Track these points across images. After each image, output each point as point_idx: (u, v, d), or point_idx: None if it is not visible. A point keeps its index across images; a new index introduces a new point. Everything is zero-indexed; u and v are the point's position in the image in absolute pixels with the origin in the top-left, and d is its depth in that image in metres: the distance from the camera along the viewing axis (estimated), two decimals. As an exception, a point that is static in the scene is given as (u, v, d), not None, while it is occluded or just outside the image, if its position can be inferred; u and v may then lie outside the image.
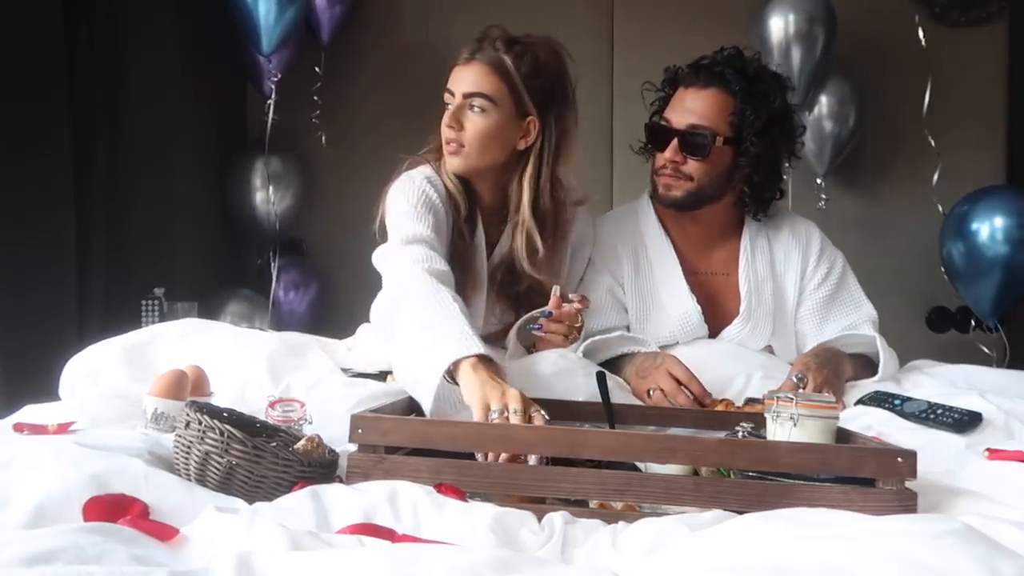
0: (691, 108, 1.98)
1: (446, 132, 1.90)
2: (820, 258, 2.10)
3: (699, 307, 2.02)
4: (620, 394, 1.66)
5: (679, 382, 1.76)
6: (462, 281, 1.85)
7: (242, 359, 1.77)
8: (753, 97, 1.96)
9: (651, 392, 1.77)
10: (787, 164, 2.11)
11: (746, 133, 1.97)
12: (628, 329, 2.07)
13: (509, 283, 1.95)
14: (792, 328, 2.07)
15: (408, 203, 1.86)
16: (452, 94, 1.92)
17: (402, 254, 1.75)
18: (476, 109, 1.89)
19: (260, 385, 1.69)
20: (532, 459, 1.29)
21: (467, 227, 1.93)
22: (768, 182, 2.05)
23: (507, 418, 1.34)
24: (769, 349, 2.04)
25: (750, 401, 1.78)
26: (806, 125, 2.08)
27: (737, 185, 2.03)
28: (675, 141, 1.98)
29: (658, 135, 2.02)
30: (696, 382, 1.76)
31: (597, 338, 1.95)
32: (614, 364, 1.93)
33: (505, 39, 1.93)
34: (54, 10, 2.75)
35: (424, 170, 1.95)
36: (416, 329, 1.58)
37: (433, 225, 1.82)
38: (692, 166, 1.98)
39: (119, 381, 1.76)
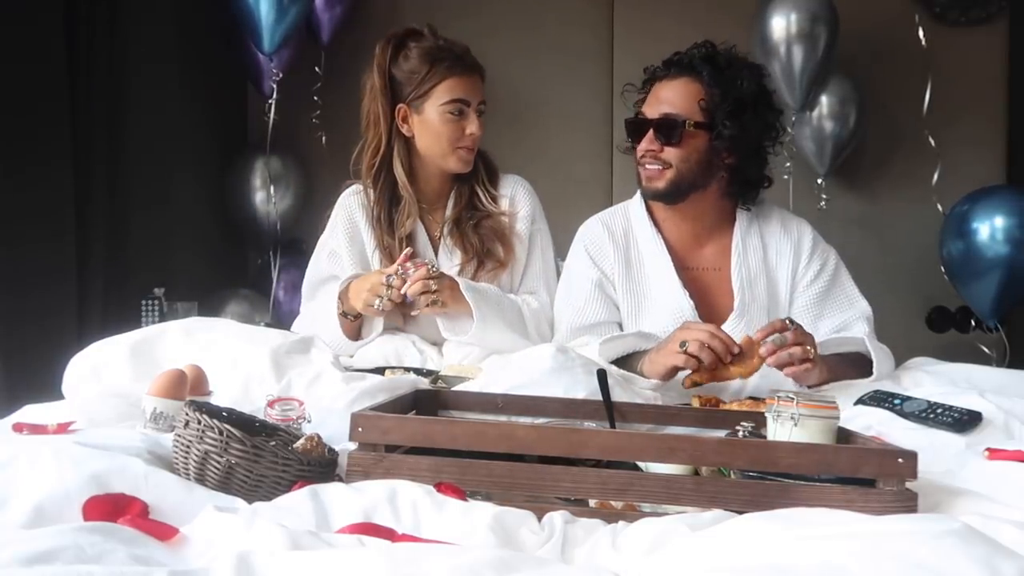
0: (663, 98, 2.06)
1: (473, 138, 2.17)
2: (812, 255, 2.11)
3: (691, 301, 2.03)
4: (620, 392, 1.65)
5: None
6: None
7: (246, 355, 1.78)
8: (721, 81, 2.02)
9: (684, 345, 1.76)
10: (770, 150, 2.11)
11: (718, 116, 2.02)
12: (620, 326, 2.08)
13: (470, 217, 2.22)
14: (786, 325, 2.08)
15: (321, 237, 2.29)
16: (467, 104, 2.16)
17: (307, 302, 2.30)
18: (480, 114, 2.18)
19: (263, 381, 1.70)
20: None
21: (407, 223, 2.20)
22: (750, 167, 2.08)
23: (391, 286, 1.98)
24: (764, 347, 2.04)
25: (752, 399, 1.78)
26: (783, 109, 2.14)
27: (718, 172, 2.07)
28: (651, 131, 2.04)
29: (635, 128, 2.09)
30: (722, 332, 1.80)
31: (616, 335, 1.95)
32: (625, 361, 1.93)
33: (464, 46, 2.20)
34: (55, 10, 2.75)
35: (344, 199, 2.28)
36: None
37: (334, 249, 2.25)
38: (669, 152, 2.04)
39: (122, 377, 1.77)
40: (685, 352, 1.76)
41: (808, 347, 1.77)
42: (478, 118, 2.17)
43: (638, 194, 2.18)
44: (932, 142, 3.37)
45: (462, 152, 2.17)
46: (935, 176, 3.38)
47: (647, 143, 2.05)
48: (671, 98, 2.05)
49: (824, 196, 3.40)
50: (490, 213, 2.22)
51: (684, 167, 2.04)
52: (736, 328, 2.01)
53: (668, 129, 2.03)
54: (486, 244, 2.20)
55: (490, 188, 2.25)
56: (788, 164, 3.28)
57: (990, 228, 3.09)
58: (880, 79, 3.50)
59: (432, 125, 2.15)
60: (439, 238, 2.24)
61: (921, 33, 3.36)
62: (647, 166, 2.07)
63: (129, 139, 3.11)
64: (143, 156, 3.17)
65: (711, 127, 2.02)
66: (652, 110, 2.06)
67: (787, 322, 1.79)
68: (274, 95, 3.43)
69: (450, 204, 2.24)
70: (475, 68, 2.19)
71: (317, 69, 3.56)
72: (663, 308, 2.05)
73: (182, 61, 3.41)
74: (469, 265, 2.19)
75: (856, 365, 1.95)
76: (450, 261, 2.21)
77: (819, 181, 3.42)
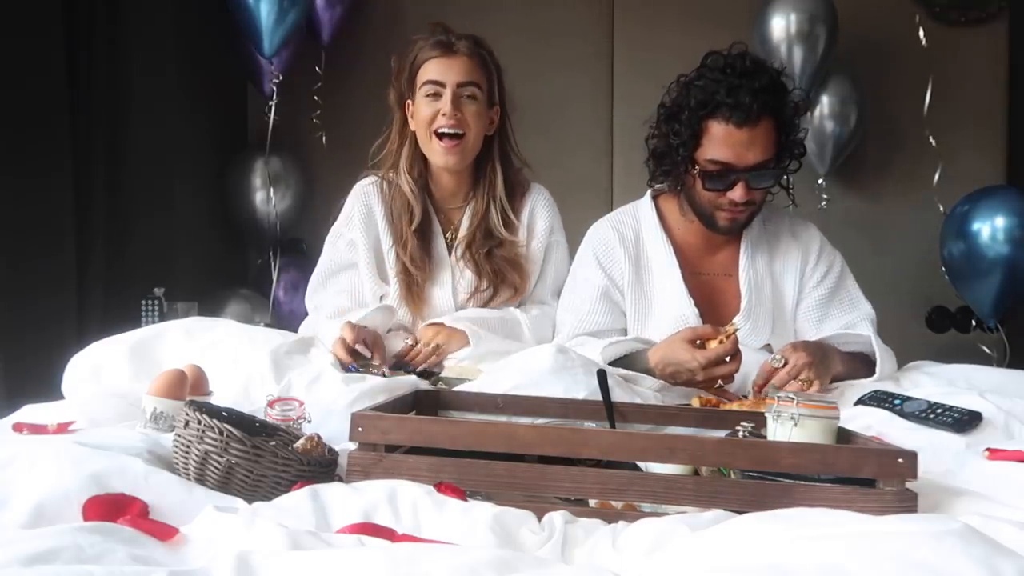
0: (751, 146, 1.93)
1: (447, 121, 2.05)
2: (819, 258, 2.11)
3: (696, 309, 2.03)
4: (620, 392, 1.65)
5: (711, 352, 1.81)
6: (423, 261, 2.14)
7: (246, 356, 1.78)
8: (793, 117, 2.00)
9: (722, 385, 1.82)
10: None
11: (796, 152, 2.03)
12: (626, 332, 2.07)
13: (483, 244, 2.15)
14: (791, 327, 2.09)
15: (334, 227, 2.21)
16: (442, 84, 2.06)
17: (313, 311, 2.18)
18: (468, 98, 2.07)
19: (263, 381, 1.70)
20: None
21: (422, 219, 2.15)
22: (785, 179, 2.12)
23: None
24: (768, 348, 2.04)
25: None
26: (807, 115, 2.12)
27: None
28: (743, 182, 1.95)
29: (720, 177, 1.96)
30: (709, 329, 1.85)
31: (615, 340, 1.95)
32: (623, 360, 1.93)
33: (467, 36, 2.10)
34: (54, 12, 2.75)
35: (361, 188, 2.20)
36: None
37: (352, 239, 2.17)
38: (758, 195, 2.00)
39: (122, 378, 1.77)
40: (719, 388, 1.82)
41: (801, 379, 1.79)
42: (455, 100, 2.04)
43: (647, 196, 2.17)
44: (933, 142, 3.37)
45: (439, 143, 2.08)
46: (936, 176, 3.38)
47: (743, 195, 1.94)
48: (759, 144, 1.94)
49: (824, 196, 3.41)
50: (503, 241, 2.15)
51: (764, 199, 2.04)
52: (742, 328, 2.01)
53: (763, 177, 1.96)
54: (500, 274, 2.15)
55: (508, 209, 2.17)
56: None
57: (991, 228, 3.09)
58: (880, 79, 3.50)
59: (417, 112, 2.11)
60: (452, 249, 2.19)
61: (921, 33, 3.37)
62: (738, 214, 2.00)
63: (129, 139, 3.11)
64: (143, 156, 3.17)
65: (779, 160, 2.00)
66: (739, 158, 1.93)
67: (773, 364, 1.82)
68: (274, 96, 3.43)
69: (464, 221, 2.18)
70: (458, 51, 2.07)
71: (317, 69, 3.56)
72: (667, 314, 2.04)
73: (182, 62, 3.41)
74: (484, 293, 2.15)
75: (860, 363, 1.96)
76: (462, 276, 2.16)
77: (819, 181, 3.42)
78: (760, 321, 2.04)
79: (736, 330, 1.81)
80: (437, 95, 2.07)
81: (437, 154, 2.10)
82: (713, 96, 1.92)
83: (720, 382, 1.83)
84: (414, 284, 2.12)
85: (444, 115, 2.05)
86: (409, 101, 2.14)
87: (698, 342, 1.83)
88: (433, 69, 2.07)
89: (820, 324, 2.07)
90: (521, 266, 2.17)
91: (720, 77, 1.93)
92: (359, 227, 2.16)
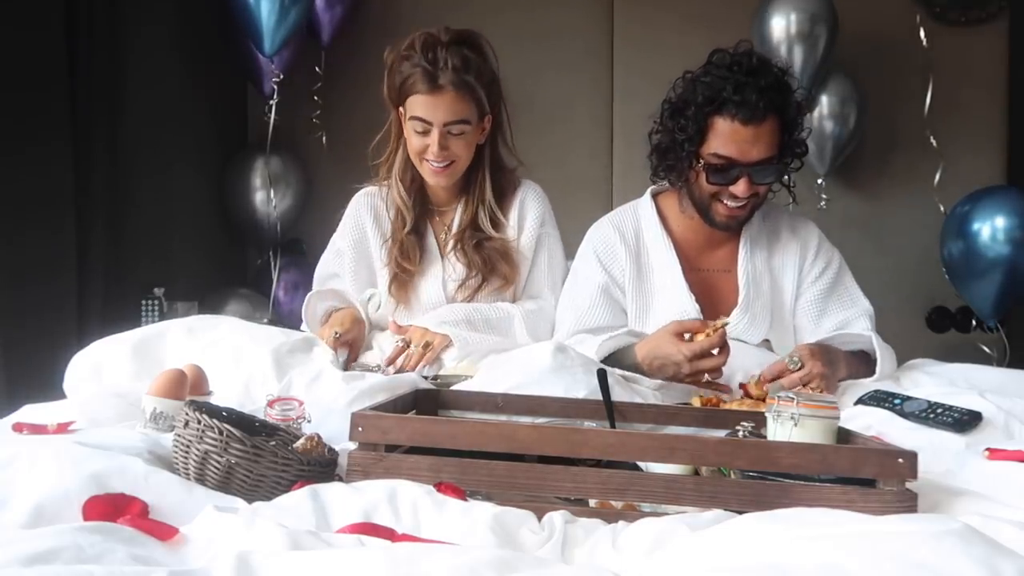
0: (756, 143, 1.94)
1: (435, 158, 2.07)
2: (818, 253, 2.12)
3: (697, 306, 2.03)
4: (620, 392, 1.65)
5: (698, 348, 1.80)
6: (417, 256, 2.17)
7: (248, 354, 1.78)
8: (796, 116, 2.00)
9: (708, 379, 1.83)
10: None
11: (798, 150, 2.04)
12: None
13: (472, 237, 2.17)
14: (790, 323, 2.09)
15: (335, 235, 2.28)
16: (428, 123, 2.05)
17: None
18: (456, 135, 2.06)
19: (265, 380, 1.70)
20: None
21: (416, 222, 2.19)
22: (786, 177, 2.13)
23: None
24: (767, 345, 2.05)
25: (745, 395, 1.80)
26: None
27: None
28: (746, 177, 1.95)
29: (723, 171, 1.96)
30: (698, 322, 1.85)
31: (609, 335, 1.95)
32: (615, 356, 1.93)
33: (455, 56, 2.04)
34: (55, 10, 2.75)
35: (356, 199, 2.26)
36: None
37: (340, 248, 2.25)
38: (761, 189, 2.00)
39: (125, 376, 1.77)
40: (708, 382, 1.82)
41: (812, 386, 1.78)
42: (442, 139, 2.04)
43: (647, 195, 2.17)
44: (933, 142, 3.37)
45: (427, 167, 2.10)
46: (936, 176, 3.39)
47: (745, 190, 1.95)
48: (764, 141, 1.94)
49: (824, 196, 3.41)
50: (491, 237, 2.17)
51: (767, 195, 2.04)
52: (739, 323, 2.02)
53: (767, 172, 1.97)
54: (489, 263, 2.16)
55: (496, 210, 2.18)
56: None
57: (991, 228, 3.09)
58: (880, 79, 3.50)
59: (407, 135, 2.11)
60: (445, 246, 2.21)
61: (921, 33, 3.37)
62: (738, 211, 2.00)
63: (129, 139, 3.11)
64: (143, 156, 3.17)
65: (781, 157, 2.00)
66: (743, 154, 1.94)
67: (789, 365, 1.81)
68: (275, 96, 3.43)
69: (456, 218, 2.20)
70: (443, 87, 2.02)
71: (317, 69, 3.56)
72: (668, 310, 2.05)
73: (182, 61, 3.41)
74: (473, 280, 2.16)
75: (861, 362, 1.96)
76: (454, 271, 2.18)
77: (819, 181, 3.42)
78: (758, 316, 2.04)
79: (725, 324, 1.81)
80: (425, 132, 2.06)
81: (427, 175, 2.13)
82: (720, 93, 1.93)
83: (707, 376, 1.82)
84: (404, 279, 2.16)
85: (433, 153, 2.06)
86: (402, 109, 2.13)
87: (687, 336, 1.83)
88: (420, 106, 2.04)
89: (819, 320, 2.07)
90: (511, 256, 2.18)
91: (727, 74, 1.94)
92: (348, 238, 2.22)
